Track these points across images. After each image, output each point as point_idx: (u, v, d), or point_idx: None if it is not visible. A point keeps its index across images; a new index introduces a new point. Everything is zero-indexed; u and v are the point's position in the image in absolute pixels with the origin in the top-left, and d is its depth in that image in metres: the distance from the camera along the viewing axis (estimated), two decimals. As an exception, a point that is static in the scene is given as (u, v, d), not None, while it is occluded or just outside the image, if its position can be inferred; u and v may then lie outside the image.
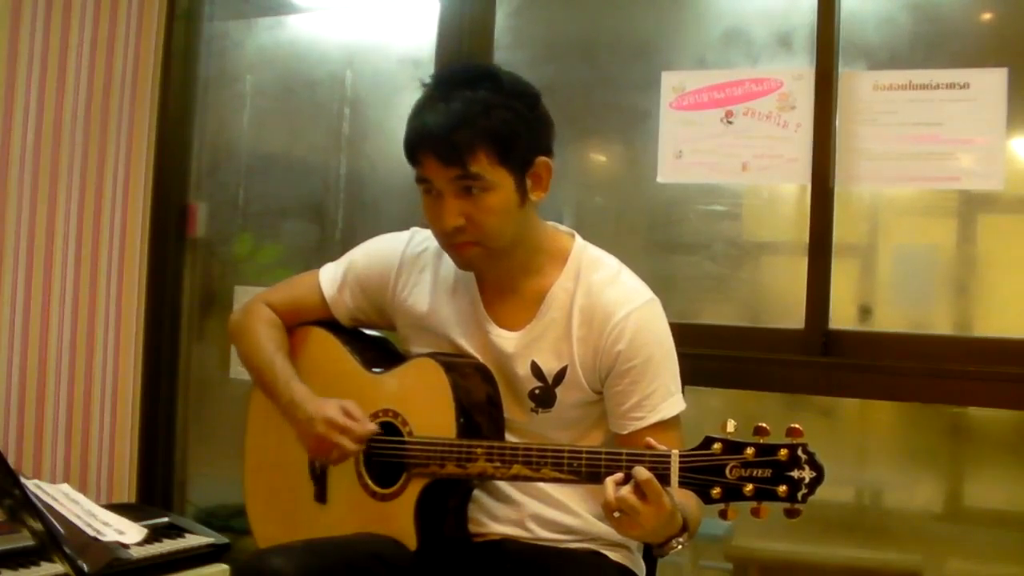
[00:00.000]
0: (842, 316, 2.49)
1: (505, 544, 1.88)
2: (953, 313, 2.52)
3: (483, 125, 1.73)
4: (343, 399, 1.86)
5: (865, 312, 2.55)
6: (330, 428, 1.82)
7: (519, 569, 1.84)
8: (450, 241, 1.81)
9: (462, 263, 1.85)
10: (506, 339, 1.86)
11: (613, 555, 1.89)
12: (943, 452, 2.60)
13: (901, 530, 2.62)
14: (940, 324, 2.51)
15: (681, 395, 1.86)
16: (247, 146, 3.33)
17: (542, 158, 1.81)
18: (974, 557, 2.55)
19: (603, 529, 1.86)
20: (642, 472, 1.58)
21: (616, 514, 1.59)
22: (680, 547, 1.69)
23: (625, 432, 1.82)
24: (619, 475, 1.61)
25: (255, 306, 2.05)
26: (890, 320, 2.54)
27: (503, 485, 1.87)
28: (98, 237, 3.08)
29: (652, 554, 1.94)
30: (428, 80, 1.83)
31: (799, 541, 2.64)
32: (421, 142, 1.75)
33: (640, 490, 1.58)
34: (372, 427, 1.84)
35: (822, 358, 2.44)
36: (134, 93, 3.12)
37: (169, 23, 3.17)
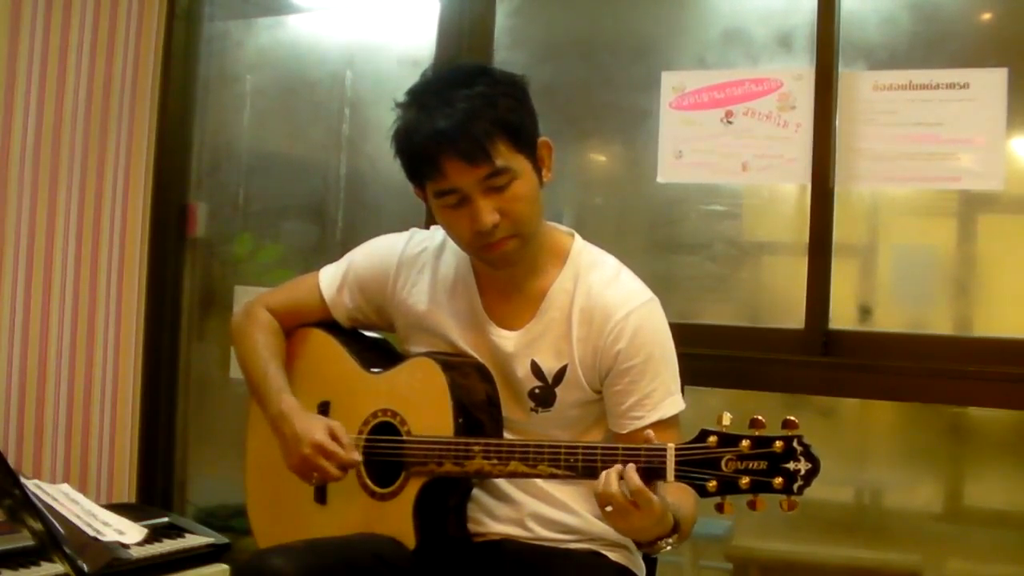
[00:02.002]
0: (842, 316, 2.49)
1: (505, 544, 1.88)
2: (953, 313, 2.52)
3: (494, 117, 1.73)
4: (331, 420, 1.86)
5: (865, 312, 2.55)
6: (315, 451, 1.81)
7: (519, 569, 1.84)
8: (486, 241, 1.77)
9: (500, 260, 1.82)
10: (506, 339, 1.86)
11: (613, 555, 1.89)
12: (943, 452, 2.60)
13: (901, 530, 2.62)
14: (940, 324, 2.51)
15: (680, 395, 1.86)
16: (247, 146, 3.33)
17: (542, 139, 1.83)
18: (974, 557, 2.55)
19: (603, 529, 1.86)
20: (633, 481, 1.58)
21: (608, 508, 1.60)
22: (669, 547, 1.70)
23: (624, 431, 1.82)
24: (614, 469, 1.61)
25: (255, 310, 2.05)
26: (890, 320, 2.54)
27: (503, 484, 1.88)
28: (98, 237, 3.08)
29: (640, 549, 1.94)
30: (408, 96, 1.81)
31: (799, 541, 2.64)
32: (441, 148, 1.72)
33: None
34: (357, 457, 1.84)
35: (822, 358, 2.44)
36: (134, 93, 3.12)
37: (169, 23, 3.17)
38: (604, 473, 1.61)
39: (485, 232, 1.75)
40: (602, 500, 1.60)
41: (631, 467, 1.59)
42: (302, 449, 1.82)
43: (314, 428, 1.83)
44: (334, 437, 1.82)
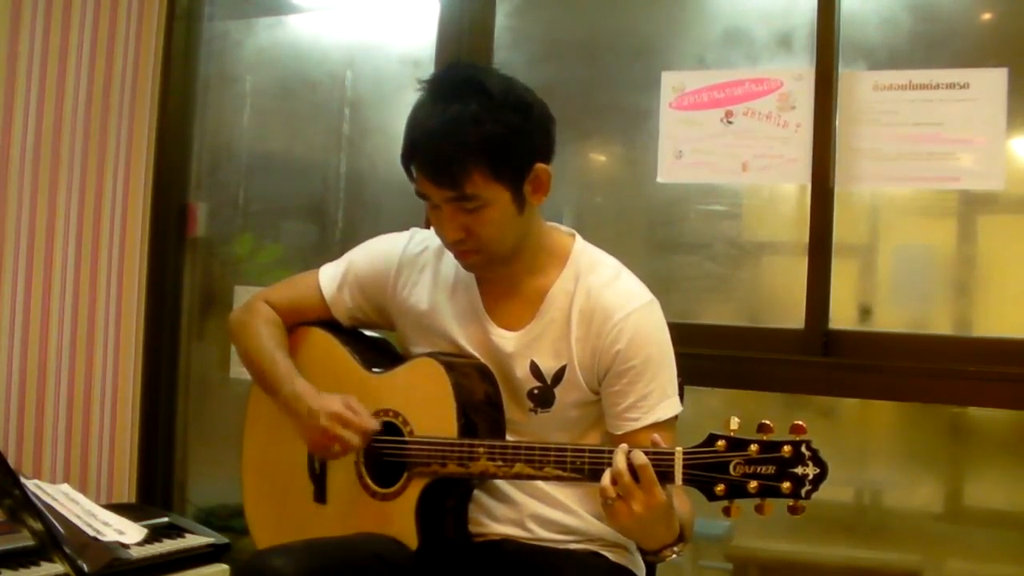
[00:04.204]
0: (842, 316, 2.49)
1: (505, 544, 1.88)
2: (953, 313, 2.52)
3: (474, 144, 1.70)
4: (345, 394, 1.87)
5: (865, 312, 2.55)
6: (334, 421, 1.82)
7: (519, 569, 1.84)
8: (453, 249, 1.83)
9: (468, 268, 1.87)
10: (506, 339, 1.86)
11: (612, 556, 1.89)
12: (943, 452, 2.60)
13: (901, 530, 2.62)
14: (940, 324, 2.51)
15: (678, 398, 1.86)
16: (247, 146, 3.33)
17: (540, 165, 1.79)
18: (974, 557, 2.55)
19: (602, 529, 1.86)
20: (639, 457, 1.59)
21: (609, 501, 1.60)
22: (675, 556, 1.70)
23: (620, 432, 1.82)
24: (621, 448, 1.61)
25: (255, 304, 2.05)
26: (890, 320, 2.54)
27: (503, 485, 1.88)
28: (98, 237, 3.08)
29: (646, 558, 1.94)
30: (423, 84, 1.80)
31: (799, 541, 2.65)
32: (415, 162, 1.76)
33: (635, 473, 1.59)
34: (375, 424, 1.84)
35: (822, 358, 2.44)
36: (134, 93, 3.12)
37: (169, 23, 3.17)
38: (613, 454, 1.62)
39: (448, 243, 1.80)
40: (606, 493, 1.60)
41: (638, 449, 1.60)
42: (320, 422, 1.82)
43: (329, 401, 1.84)
44: (351, 407, 1.83)
